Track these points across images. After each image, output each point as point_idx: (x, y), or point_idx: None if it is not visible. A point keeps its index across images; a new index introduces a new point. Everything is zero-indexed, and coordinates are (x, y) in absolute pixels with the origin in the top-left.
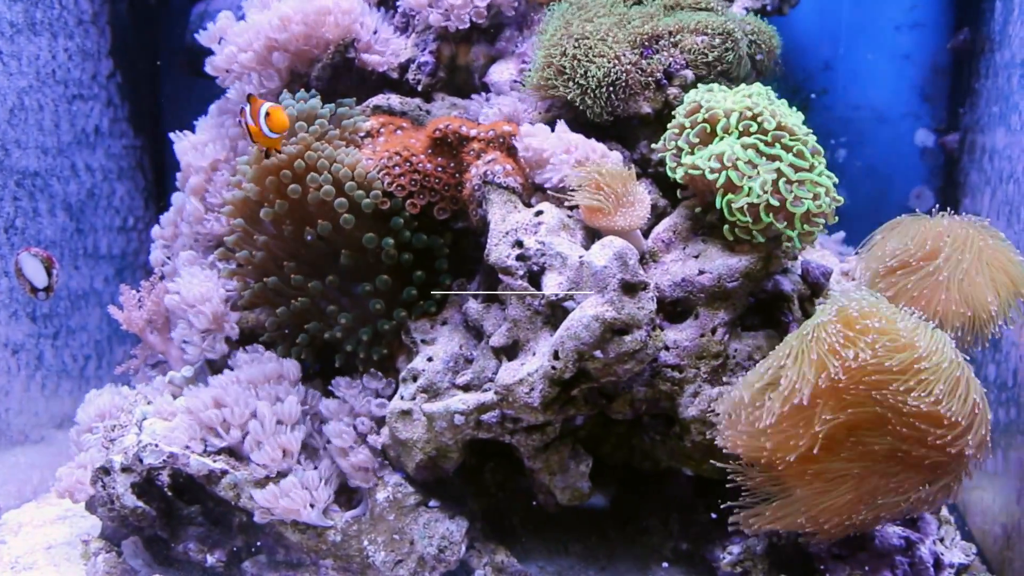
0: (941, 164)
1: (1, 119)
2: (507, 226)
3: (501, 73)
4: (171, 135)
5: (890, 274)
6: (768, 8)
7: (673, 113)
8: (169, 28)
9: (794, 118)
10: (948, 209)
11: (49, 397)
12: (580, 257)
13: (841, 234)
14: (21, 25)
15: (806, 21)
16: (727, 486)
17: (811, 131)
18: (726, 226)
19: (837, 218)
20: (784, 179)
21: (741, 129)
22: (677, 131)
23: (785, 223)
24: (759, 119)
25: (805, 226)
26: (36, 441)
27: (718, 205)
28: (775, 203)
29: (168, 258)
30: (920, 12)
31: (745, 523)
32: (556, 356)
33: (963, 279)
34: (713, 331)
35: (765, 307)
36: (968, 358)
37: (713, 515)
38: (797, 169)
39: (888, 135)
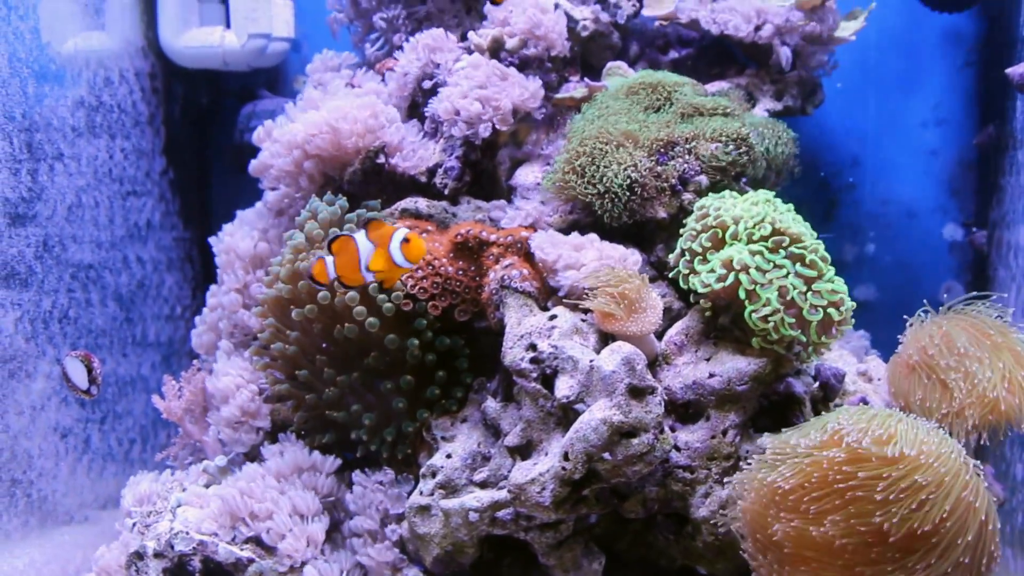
0: (970, 259)
1: (60, 216)
2: (522, 329)
3: (527, 176)
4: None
5: (911, 373)
6: (792, 108)
7: (684, 223)
8: (220, 127)
9: (800, 226)
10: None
11: (95, 479)
12: (591, 361)
13: (863, 335)
14: (82, 129)
15: (831, 119)
16: None
17: (817, 237)
18: (754, 338)
19: (854, 320)
20: (796, 289)
21: (756, 238)
22: (690, 238)
23: (800, 330)
24: (762, 228)
25: (823, 337)
26: (80, 522)
27: (745, 317)
28: (790, 319)
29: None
30: (944, 110)
31: None
32: (566, 457)
33: (981, 378)
34: (724, 433)
35: (777, 409)
36: (976, 463)
37: None
38: (807, 280)
39: (917, 229)
